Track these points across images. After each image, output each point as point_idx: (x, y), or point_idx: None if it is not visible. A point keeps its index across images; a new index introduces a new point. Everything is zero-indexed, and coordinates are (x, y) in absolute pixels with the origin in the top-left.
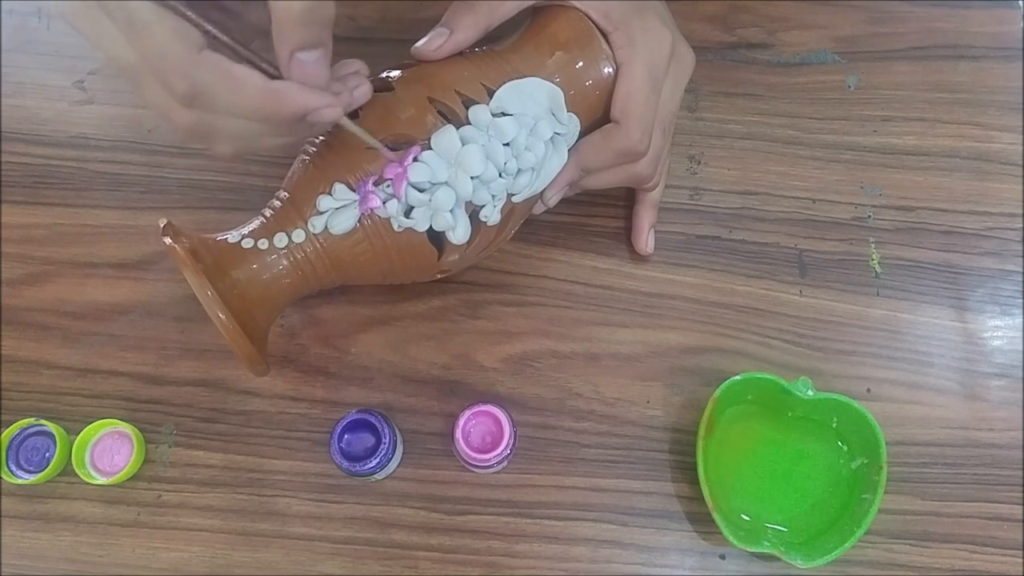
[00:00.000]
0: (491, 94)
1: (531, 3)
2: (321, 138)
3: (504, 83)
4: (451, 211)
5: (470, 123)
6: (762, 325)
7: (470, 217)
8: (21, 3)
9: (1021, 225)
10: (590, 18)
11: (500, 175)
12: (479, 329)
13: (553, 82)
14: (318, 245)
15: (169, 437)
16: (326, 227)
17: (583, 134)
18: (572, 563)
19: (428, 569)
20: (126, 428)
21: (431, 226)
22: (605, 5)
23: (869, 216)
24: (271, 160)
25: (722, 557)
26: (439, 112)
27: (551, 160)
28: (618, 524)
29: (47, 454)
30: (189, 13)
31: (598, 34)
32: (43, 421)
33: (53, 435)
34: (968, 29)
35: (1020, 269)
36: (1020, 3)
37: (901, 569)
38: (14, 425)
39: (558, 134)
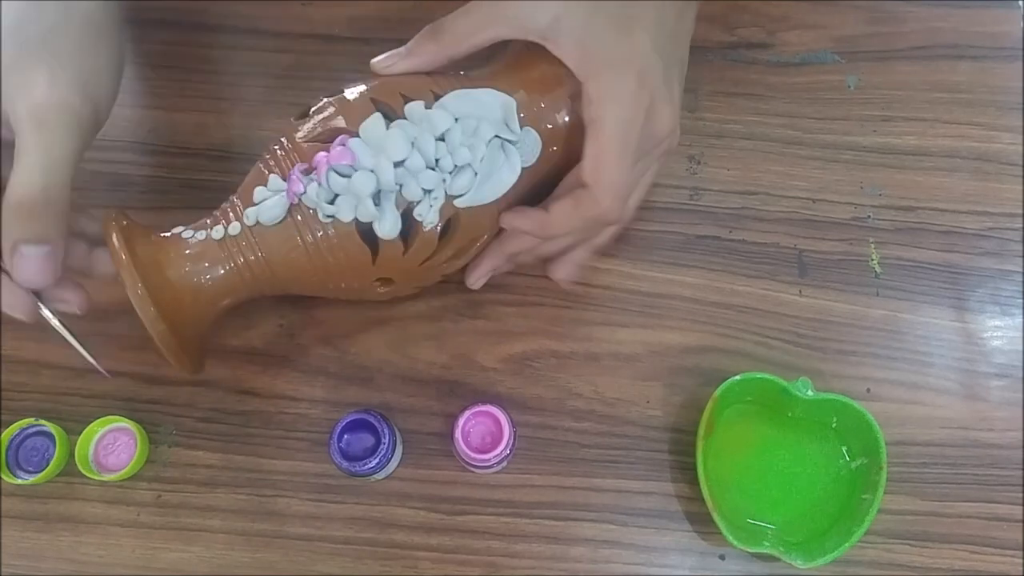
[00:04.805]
0: (438, 99)
1: (501, 38)
2: (275, 143)
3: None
4: (376, 201)
5: (404, 117)
6: (762, 325)
7: (404, 216)
8: None
9: (1021, 225)
10: (564, 64)
11: (431, 168)
12: (479, 329)
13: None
14: (252, 239)
15: (169, 437)
16: (258, 219)
17: (556, 178)
18: (572, 563)
19: (428, 569)
20: (128, 424)
21: (356, 217)
22: (583, 51)
23: (869, 216)
24: None
25: (722, 557)
26: (378, 111)
27: (500, 169)
28: (618, 524)
29: (47, 454)
30: None
31: (567, 85)
32: (43, 421)
33: (53, 435)
34: (968, 29)
35: (1020, 269)
36: (1020, 3)
37: (901, 569)
38: (14, 425)
39: (508, 141)
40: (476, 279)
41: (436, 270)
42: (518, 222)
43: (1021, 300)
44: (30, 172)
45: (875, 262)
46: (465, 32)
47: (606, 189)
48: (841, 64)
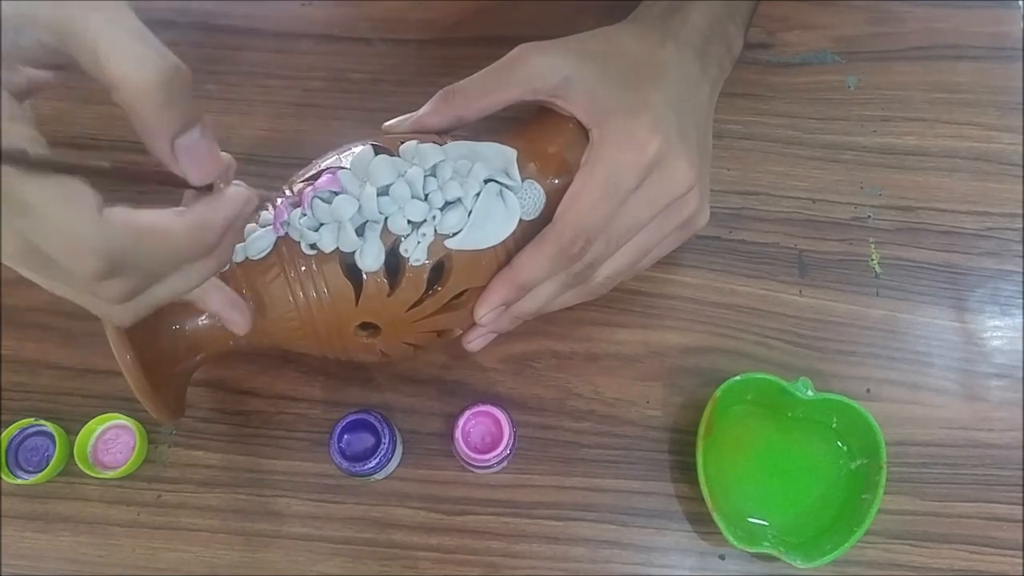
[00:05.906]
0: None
1: (513, 101)
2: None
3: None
4: (360, 232)
5: (398, 155)
6: (762, 325)
7: (390, 253)
8: None
9: (1021, 225)
10: (576, 119)
11: (418, 199)
12: None
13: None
14: (238, 275)
15: (169, 437)
16: (246, 254)
17: None
18: (572, 563)
19: (428, 569)
20: (127, 422)
21: (339, 247)
22: (595, 100)
23: (869, 216)
24: (271, 161)
25: (722, 557)
26: (373, 149)
27: (496, 214)
28: (618, 524)
29: (47, 454)
30: (65, 159)
31: (576, 150)
32: (43, 421)
33: (53, 435)
34: (968, 29)
35: (1020, 269)
36: (1020, 3)
37: (901, 569)
38: (14, 425)
39: (506, 187)
40: (473, 338)
41: (425, 324)
42: (492, 282)
43: (1021, 300)
44: (135, 57)
45: (875, 262)
46: (477, 94)
47: (569, 224)
48: (841, 64)
